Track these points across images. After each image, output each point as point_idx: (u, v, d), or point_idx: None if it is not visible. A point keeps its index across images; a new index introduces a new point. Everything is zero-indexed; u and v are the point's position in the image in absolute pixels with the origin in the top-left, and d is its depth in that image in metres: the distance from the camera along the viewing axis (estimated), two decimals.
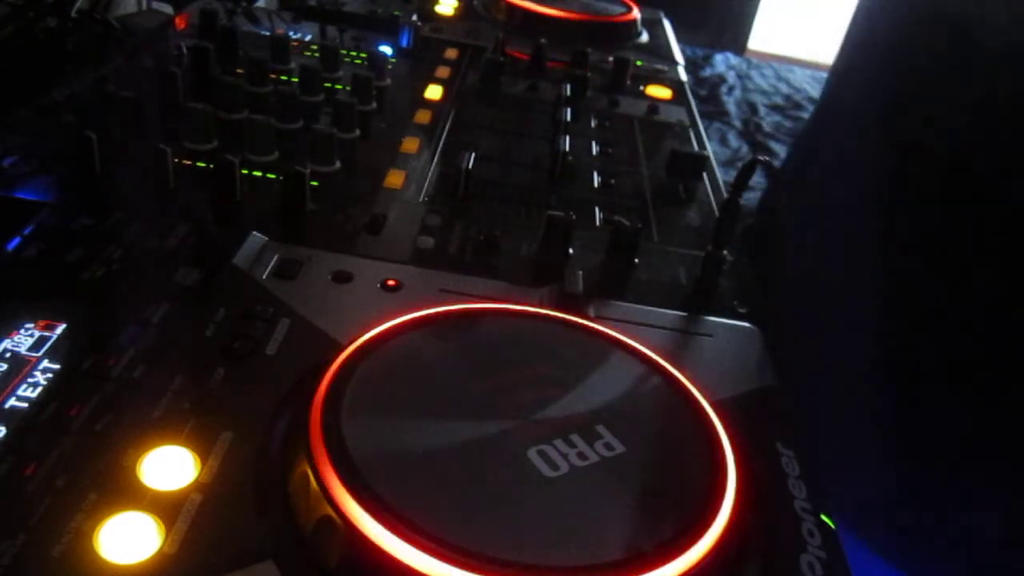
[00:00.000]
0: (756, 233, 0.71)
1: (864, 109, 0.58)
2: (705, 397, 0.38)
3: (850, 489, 0.58)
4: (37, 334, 0.37)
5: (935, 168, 0.52)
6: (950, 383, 0.53)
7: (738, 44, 1.96)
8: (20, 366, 0.35)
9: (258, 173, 0.54)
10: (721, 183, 0.64)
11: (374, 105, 0.65)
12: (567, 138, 0.61)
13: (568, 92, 0.68)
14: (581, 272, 0.48)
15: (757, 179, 0.48)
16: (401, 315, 0.39)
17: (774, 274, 0.58)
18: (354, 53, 0.76)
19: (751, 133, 2.52)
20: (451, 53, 0.81)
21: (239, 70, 0.66)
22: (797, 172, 0.71)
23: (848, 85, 0.63)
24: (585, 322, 0.42)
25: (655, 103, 0.77)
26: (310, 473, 0.30)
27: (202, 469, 0.32)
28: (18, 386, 0.34)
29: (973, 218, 0.50)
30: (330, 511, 0.29)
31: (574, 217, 0.50)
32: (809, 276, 0.62)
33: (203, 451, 0.33)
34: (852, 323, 0.58)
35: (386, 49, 0.78)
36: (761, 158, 0.45)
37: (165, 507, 0.30)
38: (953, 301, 0.52)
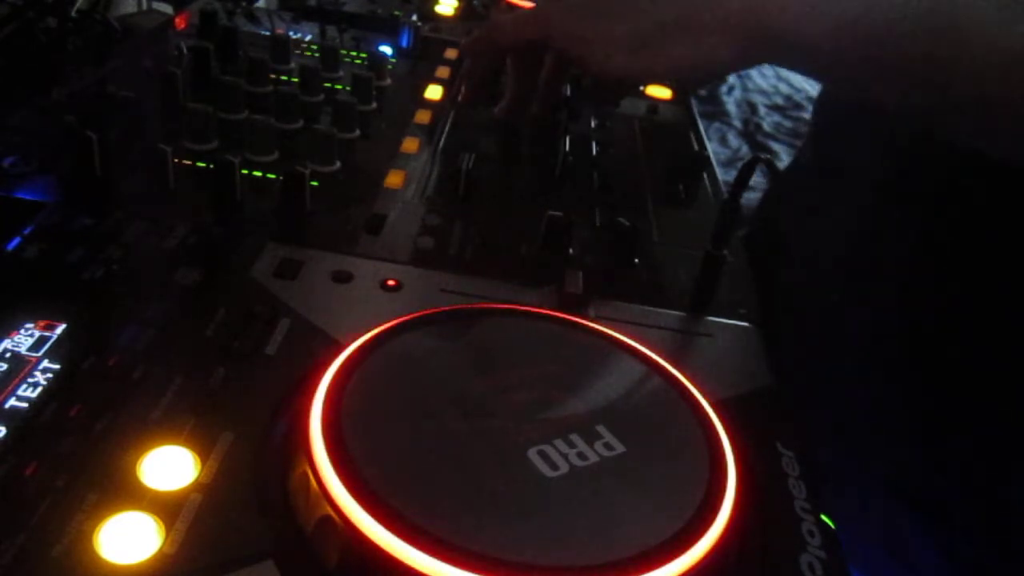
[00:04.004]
0: (757, 241, 0.71)
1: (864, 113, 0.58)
2: (705, 397, 0.38)
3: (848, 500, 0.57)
4: (37, 334, 0.37)
5: (939, 169, 0.51)
6: (951, 390, 0.52)
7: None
8: (20, 366, 0.35)
9: (258, 173, 0.54)
10: (721, 183, 0.64)
11: (374, 105, 0.65)
12: (567, 138, 0.61)
13: (568, 92, 0.68)
14: (581, 272, 0.48)
15: (757, 179, 0.48)
16: (401, 315, 0.39)
17: (775, 277, 0.58)
18: (354, 53, 0.76)
19: (751, 133, 2.52)
20: (451, 53, 0.81)
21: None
22: (800, 175, 0.71)
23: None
24: (585, 322, 0.42)
25: (655, 103, 0.77)
26: (310, 473, 0.30)
27: (202, 469, 0.32)
28: (18, 386, 0.34)
29: (976, 219, 0.50)
30: (330, 511, 0.29)
31: (574, 217, 0.50)
32: (810, 278, 0.62)
33: (203, 451, 0.33)
34: (854, 324, 0.58)
35: (386, 49, 0.78)
36: (762, 157, 0.45)
37: (165, 507, 0.30)
38: (960, 305, 0.51)
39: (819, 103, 0.69)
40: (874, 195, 0.56)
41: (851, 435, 0.58)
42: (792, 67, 0.46)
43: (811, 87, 2.81)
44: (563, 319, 0.41)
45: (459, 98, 0.64)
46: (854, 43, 0.42)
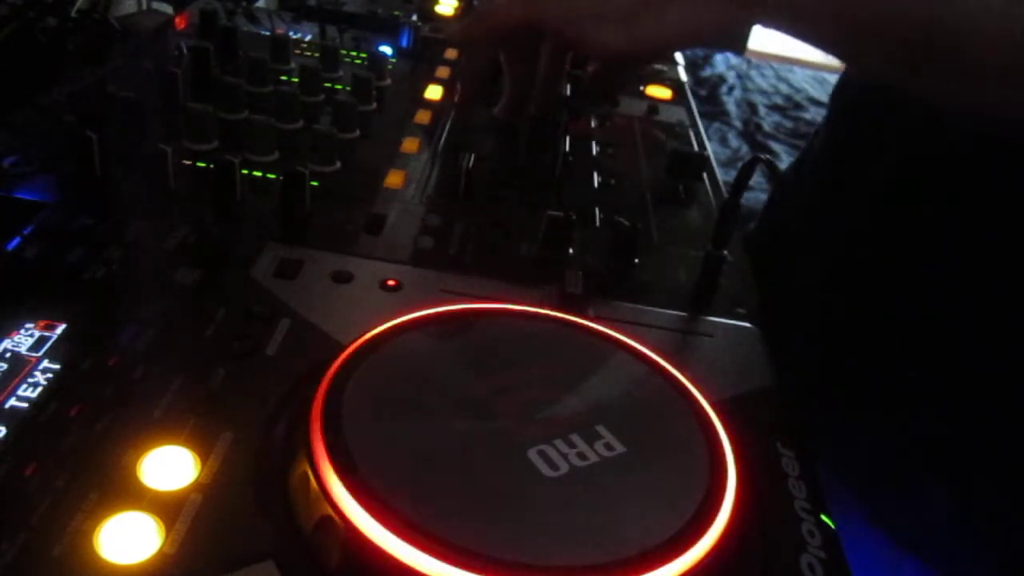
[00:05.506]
0: (760, 241, 0.71)
1: (871, 119, 0.58)
2: (705, 397, 0.38)
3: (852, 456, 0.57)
4: (37, 334, 0.37)
5: (953, 168, 0.51)
6: (961, 385, 0.52)
7: (738, 44, 1.96)
8: (20, 366, 0.35)
9: (258, 173, 0.54)
10: (721, 183, 0.64)
11: (374, 105, 0.65)
12: (567, 138, 0.61)
13: (568, 92, 0.68)
14: (581, 272, 0.48)
15: (757, 179, 0.48)
16: (401, 315, 0.39)
17: (777, 279, 0.58)
18: (354, 53, 0.76)
19: (751, 133, 2.52)
20: (451, 53, 0.80)
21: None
22: (800, 177, 0.71)
23: (855, 90, 0.62)
24: (585, 322, 0.42)
25: (655, 103, 0.77)
26: (310, 473, 0.30)
27: (202, 469, 0.32)
28: (18, 386, 0.34)
29: (987, 217, 0.50)
30: (330, 511, 0.29)
31: (574, 217, 0.50)
32: (812, 280, 0.62)
33: (203, 451, 0.33)
34: (857, 324, 0.58)
35: (386, 49, 0.78)
36: (762, 157, 0.45)
37: (165, 507, 0.30)
38: (972, 302, 0.51)
39: (834, 99, 0.69)
40: (886, 194, 0.56)
41: (855, 427, 0.58)
42: (779, 27, 0.46)
43: (811, 87, 2.81)
44: (563, 319, 0.41)
45: (455, 98, 0.63)
46: (834, 2, 0.42)
